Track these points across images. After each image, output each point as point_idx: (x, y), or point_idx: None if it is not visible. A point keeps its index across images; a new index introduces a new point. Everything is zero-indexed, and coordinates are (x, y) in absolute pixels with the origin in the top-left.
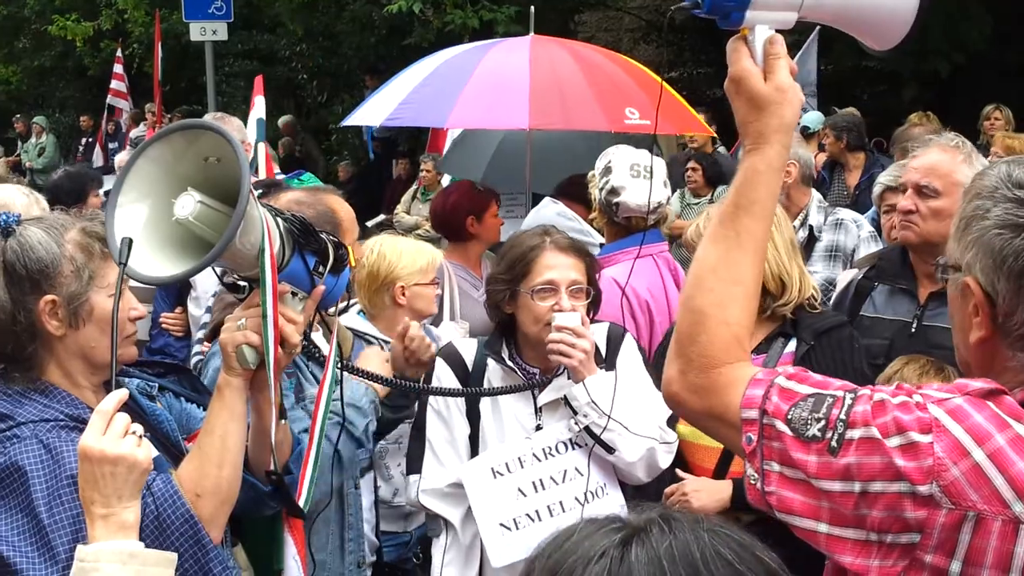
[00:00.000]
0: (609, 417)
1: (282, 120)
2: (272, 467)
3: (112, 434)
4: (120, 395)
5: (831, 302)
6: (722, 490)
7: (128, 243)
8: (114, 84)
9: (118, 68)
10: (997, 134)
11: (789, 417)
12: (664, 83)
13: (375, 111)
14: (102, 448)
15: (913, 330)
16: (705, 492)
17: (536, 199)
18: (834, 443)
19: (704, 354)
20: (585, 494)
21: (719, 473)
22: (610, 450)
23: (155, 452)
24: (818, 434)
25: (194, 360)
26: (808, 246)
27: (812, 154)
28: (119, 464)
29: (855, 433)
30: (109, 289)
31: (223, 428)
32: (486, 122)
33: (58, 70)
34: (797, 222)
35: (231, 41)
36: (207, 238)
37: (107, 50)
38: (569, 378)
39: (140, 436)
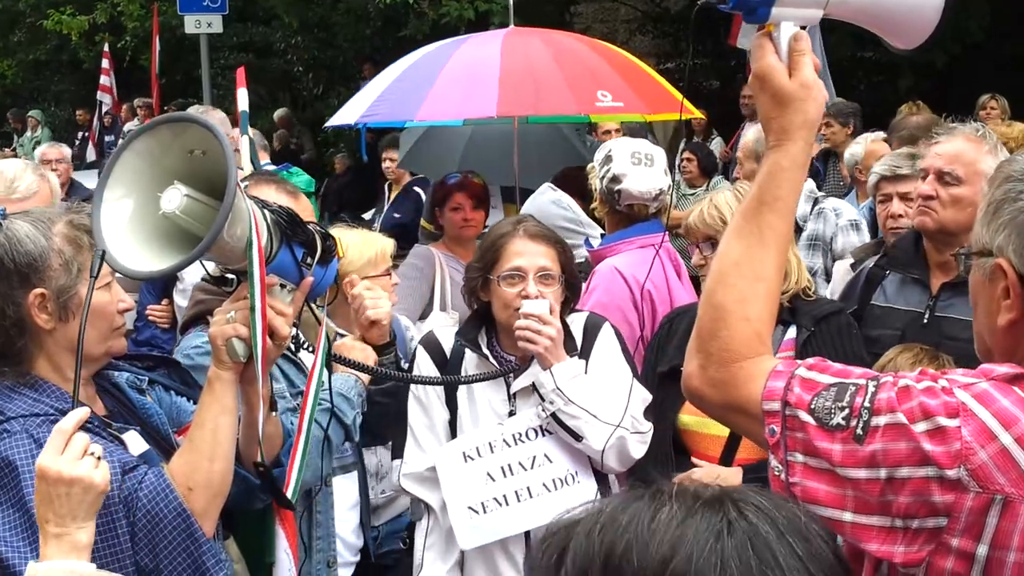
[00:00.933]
0: (574, 404)
1: (278, 113)
2: (259, 459)
3: (70, 455)
4: (80, 414)
5: (839, 292)
6: (733, 477)
7: (101, 256)
8: (102, 79)
9: (105, 63)
10: (990, 124)
11: (812, 407)
12: (644, 65)
13: (353, 109)
14: (59, 469)
15: (925, 321)
16: (718, 481)
17: (524, 192)
18: (859, 431)
19: (725, 349)
20: (553, 480)
21: (725, 461)
22: (577, 437)
23: (145, 447)
24: (842, 422)
25: None
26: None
27: None
28: (74, 486)
29: (880, 420)
30: (99, 280)
31: (214, 421)
32: (455, 114)
33: (53, 64)
34: None
35: (226, 34)
36: (194, 231)
37: (102, 44)
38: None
39: (99, 457)
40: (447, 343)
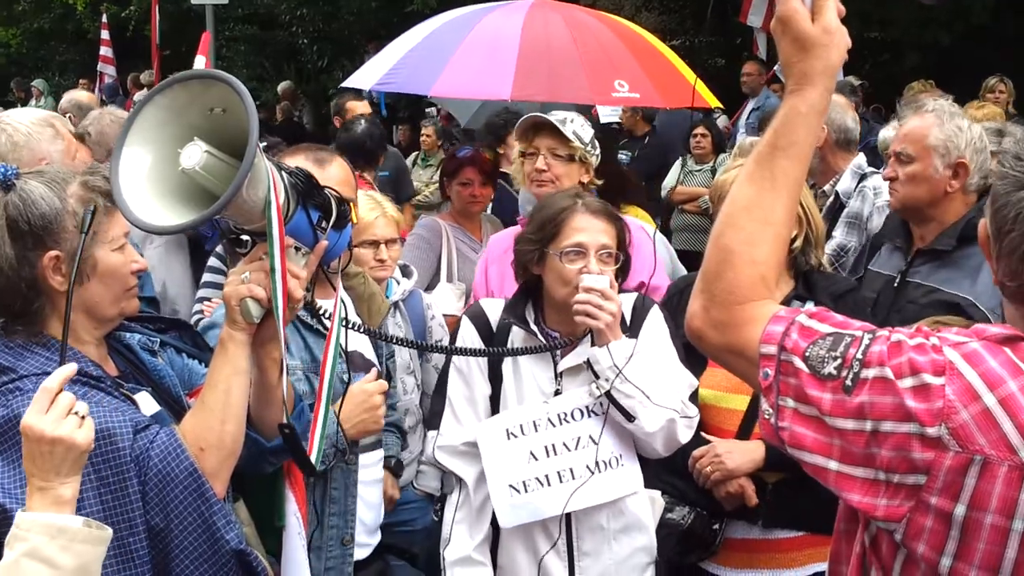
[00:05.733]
0: (630, 383)
1: (282, 86)
2: (285, 420)
3: (54, 414)
4: (66, 372)
5: (851, 259)
6: (754, 450)
7: (92, 212)
8: (102, 50)
9: (105, 34)
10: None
11: (807, 354)
12: (664, 47)
13: (370, 73)
14: (41, 428)
15: (896, 284)
16: (737, 452)
17: None
18: (849, 382)
19: (729, 290)
20: (597, 463)
21: (742, 435)
22: (630, 418)
23: (157, 407)
24: (834, 372)
25: (194, 319)
26: (836, 212)
27: (853, 115)
28: (57, 445)
29: (870, 372)
30: (113, 244)
31: (226, 382)
32: (469, 92)
33: (58, 33)
34: (828, 186)
35: (231, 5)
36: (212, 189)
37: (107, 13)
38: (593, 344)
39: (83, 416)
40: (494, 317)
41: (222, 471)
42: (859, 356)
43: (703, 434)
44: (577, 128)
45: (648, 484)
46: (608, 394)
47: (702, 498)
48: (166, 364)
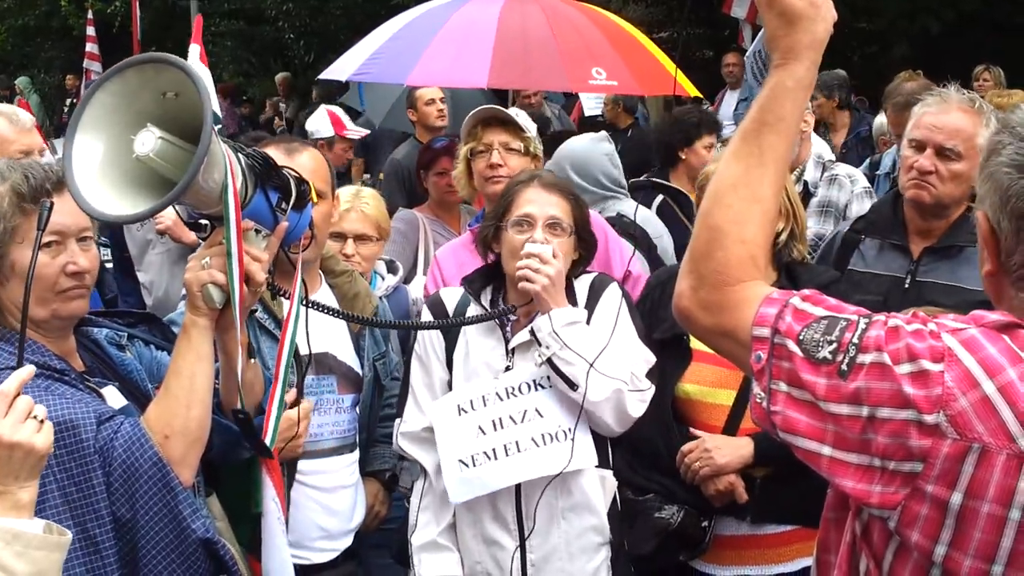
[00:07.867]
0: (570, 349)
1: (279, 77)
2: (239, 406)
3: (12, 418)
4: (23, 374)
5: (817, 255)
6: (743, 446)
7: (48, 208)
8: (88, 47)
9: (90, 30)
10: (988, 94)
11: (801, 338)
12: (643, 37)
13: (346, 64)
14: None
15: (907, 286)
16: (726, 448)
17: None
18: (844, 366)
19: (718, 271)
20: (543, 435)
21: (728, 430)
22: (572, 385)
23: (124, 402)
24: (829, 356)
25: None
26: (804, 202)
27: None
28: (15, 450)
29: (866, 358)
30: (31, 243)
31: (190, 369)
32: (447, 80)
33: (43, 30)
34: (794, 176)
35: (217, 0)
36: (168, 176)
37: (92, 10)
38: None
39: (42, 420)
40: (451, 302)
41: (189, 457)
42: (855, 341)
43: (692, 430)
44: (524, 121)
45: (635, 483)
46: (549, 361)
47: (690, 496)
48: (134, 358)
